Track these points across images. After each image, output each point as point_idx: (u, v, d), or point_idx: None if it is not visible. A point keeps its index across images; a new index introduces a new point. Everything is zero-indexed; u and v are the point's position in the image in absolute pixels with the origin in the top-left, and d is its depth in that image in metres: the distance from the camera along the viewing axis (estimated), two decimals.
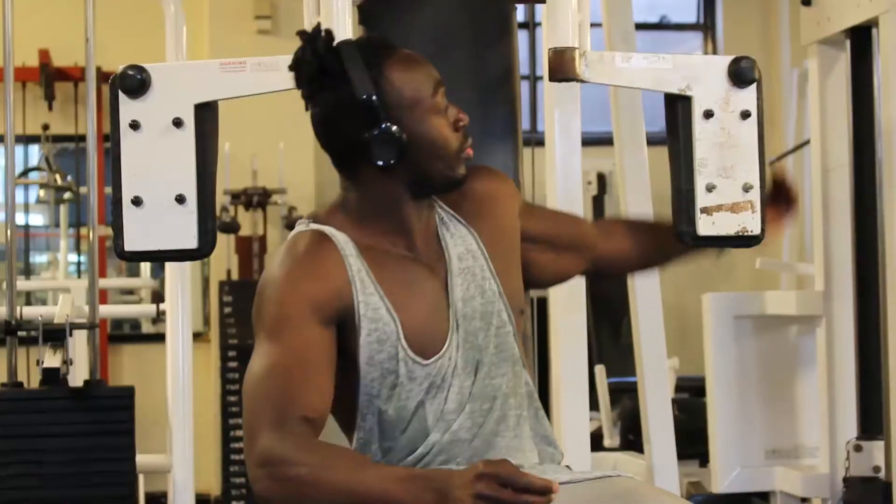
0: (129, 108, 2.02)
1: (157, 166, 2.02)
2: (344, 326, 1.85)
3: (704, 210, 2.08)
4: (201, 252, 2.04)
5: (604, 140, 4.62)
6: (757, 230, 2.10)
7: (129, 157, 2.03)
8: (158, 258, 2.07)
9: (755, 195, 2.09)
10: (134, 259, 2.08)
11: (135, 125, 2.02)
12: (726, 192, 2.08)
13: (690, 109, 2.07)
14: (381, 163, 1.84)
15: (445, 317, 1.91)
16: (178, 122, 2.02)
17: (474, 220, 1.99)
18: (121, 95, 2.02)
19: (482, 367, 1.92)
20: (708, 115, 2.06)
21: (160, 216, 2.02)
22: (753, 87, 2.08)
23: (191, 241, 2.03)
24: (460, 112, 1.92)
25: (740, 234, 2.10)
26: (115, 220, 2.04)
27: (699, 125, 2.07)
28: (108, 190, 7.22)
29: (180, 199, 2.02)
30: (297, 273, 1.85)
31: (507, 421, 1.94)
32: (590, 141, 3.72)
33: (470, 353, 1.91)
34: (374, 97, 1.83)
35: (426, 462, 1.89)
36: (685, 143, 2.07)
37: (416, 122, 1.87)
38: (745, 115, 2.08)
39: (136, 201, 2.02)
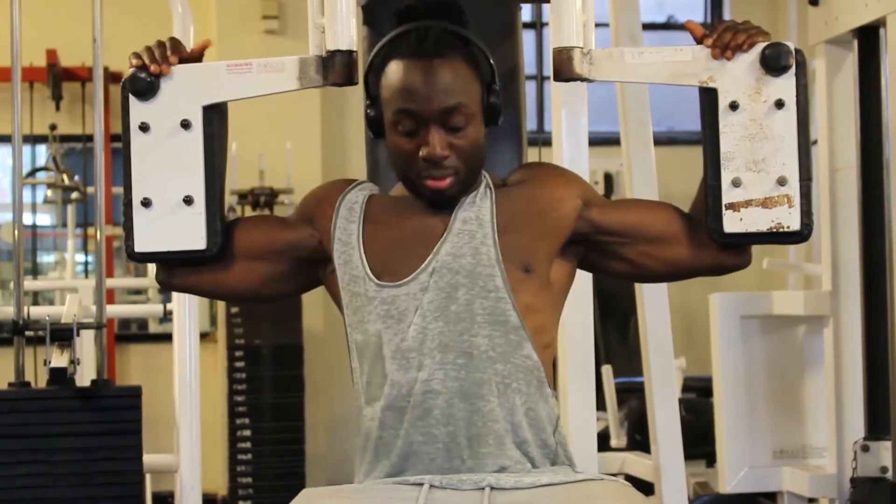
0: (138, 111, 2.03)
1: (166, 168, 2.03)
2: (325, 247, 2.05)
3: (730, 206, 1.99)
4: (209, 253, 2.04)
5: (611, 140, 4.62)
6: (795, 226, 1.98)
7: (139, 158, 2.03)
8: (168, 259, 2.07)
9: (792, 189, 1.98)
10: (144, 260, 2.08)
11: (144, 127, 2.03)
12: (756, 187, 1.98)
13: (714, 102, 2.00)
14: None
15: (421, 260, 1.99)
16: (185, 124, 2.02)
17: (509, 199, 2.05)
18: (130, 98, 2.02)
19: (458, 321, 1.95)
20: (734, 106, 1.98)
21: (169, 217, 2.03)
22: (790, 74, 1.98)
23: (199, 242, 2.03)
24: (432, 145, 1.95)
25: (774, 230, 1.99)
26: (126, 221, 2.04)
27: (724, 118, 1.99)
28: (115, 190, 7.18)
29: (188, 201, 2.02)
30: (311, 192, 2.15)
31: (490, 386, 1.94)
32: (597, 141, 3.71)
33: (444, 301, 1.95)
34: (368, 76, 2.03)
35: (402, 409, 1.93)
36: (710, 136, 2.00)
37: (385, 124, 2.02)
38: (780, 104, 1.98)
39: (146, 203, 2.03)
